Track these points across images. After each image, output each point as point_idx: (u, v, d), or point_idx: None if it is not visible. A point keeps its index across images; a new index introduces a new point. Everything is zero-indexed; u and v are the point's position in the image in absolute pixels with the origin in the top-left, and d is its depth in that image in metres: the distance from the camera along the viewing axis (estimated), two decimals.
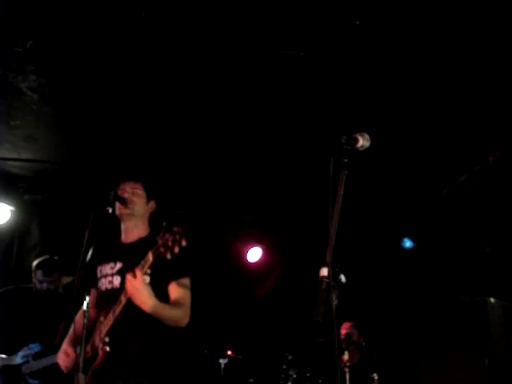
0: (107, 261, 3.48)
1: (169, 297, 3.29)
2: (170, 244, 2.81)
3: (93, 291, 3.46)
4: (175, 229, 2.82)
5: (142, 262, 3.00)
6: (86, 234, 3.20)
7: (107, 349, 3.14)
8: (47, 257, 5.26)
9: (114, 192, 3.49)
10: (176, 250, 2.82)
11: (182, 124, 5.17)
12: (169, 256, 2.84)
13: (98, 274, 3.48)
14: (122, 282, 3.28)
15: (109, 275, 3.43)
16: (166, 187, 5.36)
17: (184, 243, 2.81)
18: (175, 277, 3.32)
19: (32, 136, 5.35)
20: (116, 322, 3.13)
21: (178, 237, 2.80)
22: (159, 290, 3.17)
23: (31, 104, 4.78)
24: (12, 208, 6.41)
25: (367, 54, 4.08)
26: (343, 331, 5.96)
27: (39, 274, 5.09)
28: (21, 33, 3.89)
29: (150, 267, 2.98)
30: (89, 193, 5.86)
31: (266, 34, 3.86)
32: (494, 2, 3.57)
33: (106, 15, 3.71)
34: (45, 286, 5.07)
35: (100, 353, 3.17)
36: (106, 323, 3.17)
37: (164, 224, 2.89)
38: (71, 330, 3.30)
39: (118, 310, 3.10)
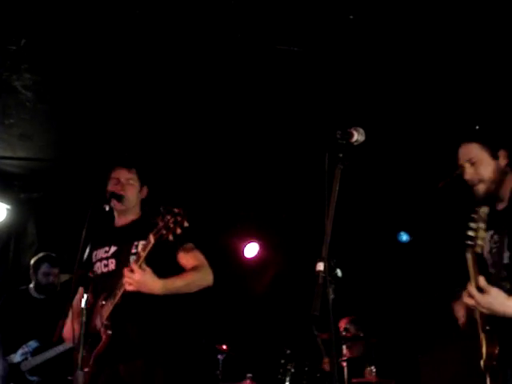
0: (101, 245, 3.49)
1: (183, 267, 3.30)
2: (171, 225, 2.78)
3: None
4: (176, 210, 2.79)
5: (143, 245, 3.00)
6: (83, 232, 3.20)
7: (110, 332, 3.15)
8: (46, 253, 5.28)
9: (106, 182, 3.53)
10: (178, 231, 2.80)
11: (178, 120, 5.17)
12: (171, 237, 2.83)
13: (93, 259, 3.50)
14: (118, 265, 3.32)
15: (104, 259, 3.44)
16: (162, 183, 5.35)
17: (186, 224, 2.79)
18: (179, 246, 3.31)
19: (27, 134, 5.35)
20: (117, 305, 3.14)
21: (179, 218, 2.78)
22: (166, 265, 3.19)
23: (26, 102, 4.77)
24: (8, 206, 6.41)
25: (361, 48, 4.08)
26: (342, 325, 5.99)
27: (45, 266, 5.11)
28: (14, 31, 3.88)
29: (151, 249, 2.97)
30: (85, 190, 5.86)
31: (259, 28, 3.86)
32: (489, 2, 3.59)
33: (99, 12, 3.70)
34: (51, 278, 5.10)
35: (103, 336, 3.19)
36: (107, 307, 3.18)
37: (162, 207, 2.86)
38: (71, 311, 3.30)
39: (119, 293, 3.11)
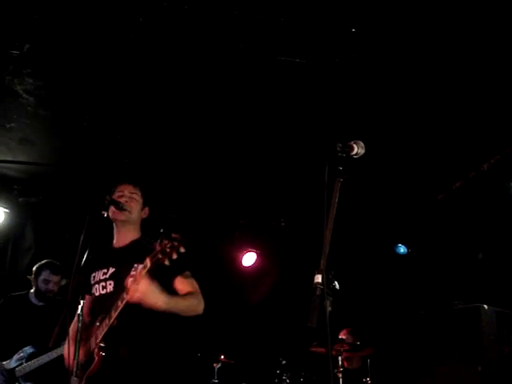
0: (100, 267, 3.46)
1: (177, 291, 3.30)
2: (168, 251, 2.79)
3: (87, 297, 3.44)
4: (174, 235, 2.80)
5: (140, 267, 2.98)
6: (81, 238, 3.18)
7: (102, 354, 3.13)
8: (49, 260, 5.28)
9: (109, 196, 3.48)
10: (174, 256, 2.81)
11: (178, 128, 5.17)
12: (167, 262, 2.83)
13: (92, 281, 3.46)
14: (116, 287, 3.29)
15: (102, 280, 3.41)
16: (161, 191, 5.36)
17: (183, 250, 2.80)
18: (179, 272, 3.32)
19: (27, 139, 5.36)
20: (111, 327, 3.11)
21: (176, 243, 2.79)
22: (164, 287, 3.15)
23: (27, 107, 4.78)
24: (6, 210, 6.41)
25: (363, 61, 4.10)
26: (341, 336, 5.99)
27: (46, 273, 5.11)
28: (18, 36, 3.89)
29: (148, 272, 2.96)
30: (84, 196, 5.87)
31: (262, 40, 3.87)
32: (491, 14, 3.60)
33: (103, 20, 3.72)
34: (50, 285, 5.10)
35: (95, 358, 3.16)
36: (102, 328, 3.15)
37: (162, 230, 2.86)
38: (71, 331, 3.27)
39: (114, 315, 3.08)
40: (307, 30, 3.77)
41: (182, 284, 3.31)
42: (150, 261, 2.90)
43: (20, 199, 6.51)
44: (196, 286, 3.37)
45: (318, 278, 2.06)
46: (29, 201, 6.53)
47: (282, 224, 7.20)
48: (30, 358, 4.82)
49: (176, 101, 4.72)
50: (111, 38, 3.89)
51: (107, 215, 3.42)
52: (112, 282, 3.36)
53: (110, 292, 3.33)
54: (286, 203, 6.73)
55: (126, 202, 3.47)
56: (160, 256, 2.83)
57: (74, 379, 2.95)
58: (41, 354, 4.80)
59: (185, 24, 3.74)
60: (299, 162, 5.56)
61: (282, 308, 7.16)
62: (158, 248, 2.84)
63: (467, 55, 4.02)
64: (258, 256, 7.64)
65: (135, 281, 2.97)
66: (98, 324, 3.21)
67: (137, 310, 3.07)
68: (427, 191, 6.30)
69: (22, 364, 4.80)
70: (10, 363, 4.82)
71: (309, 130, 5.07)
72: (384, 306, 7.04)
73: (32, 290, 5.18)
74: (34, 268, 5.21)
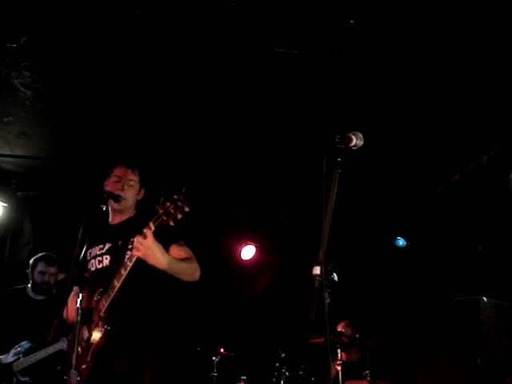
0: (96, 243, 3.49)
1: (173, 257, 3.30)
2: (172, 211, 2.80)
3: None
4: (175, 196, 2.82)
5: (145, 230, 2.97)
6: (80, 231, 3.19)
7: (108, 327, 3.13)
8: (45, 253, 5.28)
9: (106, 177, 3.52)
10: (179, 216, 2.81)
11: (176, 121, 5.16)
12: (172, 223, 2.84)
13: (88, 256, 3.49)
14: (112, 261, 3.32)
15: (98, 255, 3.44)
16: (159, 184, 5.33)
17: (187, 209, 2.81)
18: (174, 240, 3.33)
19: (25, 132, 5.35)
20: (114, 299, 3.12)
21: (179, 203, 2.80)
22: None
23: (24, 100, 4.77)
24: (5, 204, 6.40)
25: (361, 52, 4.08)
26: (339, 328, 5.98)
27: (41, 265, 5.11)
28: (15, 29, 3.88)
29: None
30: (82, 189, 5.85)
31: (260, 31, 3.86)
32: (489, 2, 3.58)
33: (100, 12, 3.70)
34: (46, 277, 5.09)
35: (101, 330, 3.16)
36: (104, 300, 3.16)
37: (162, 192, 2.87)
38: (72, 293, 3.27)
39: (117, 284, 3.09)
40: (305, 22, 3.75)
41: (177, 251, 3.32)
42: (154, 223, 2.90)
43: (18, 193, 6.50)
44: (191, 253, 3.39)
45: (317, 270, 2.05)
46: (27, 195, 6.52)
47: (281, 217, 7.20)
48: (27, 352, 4.80)
49: (174, 94, 4.71)
50: (108, 31, 3.87)
51: (106, 208, 3.43)
52: (108, 257, 3.38)
53: (107, 266, 3.36)
54: (285, 196, 6.72)
55: (122, 190, 3.47)
56: (164, 218, 2.83)
57: (72, 372, 2.95)
58: (38, 349, 4.79)
59: (182, 16, 3.72)
60: (298, 154, 5.55)
61: (280, 301, 7.16)
62: (160, 211, 2.84)
63: (466, 48, 4.01)
64: (257, 249, 7.64)
65: (143, 236, 2.95)
66: (98, 298, 3.21)
67: (138, 278, 3.10)
68: (426, 184, 6.29)
69: (19, 359, 4.79)
70: (7, 358, 4.80)
71: (307, 122, 5.05)
72: (383, 299, 7.05)
73: (29, 285, 5.18)
74: (31, 261, 5.21)
